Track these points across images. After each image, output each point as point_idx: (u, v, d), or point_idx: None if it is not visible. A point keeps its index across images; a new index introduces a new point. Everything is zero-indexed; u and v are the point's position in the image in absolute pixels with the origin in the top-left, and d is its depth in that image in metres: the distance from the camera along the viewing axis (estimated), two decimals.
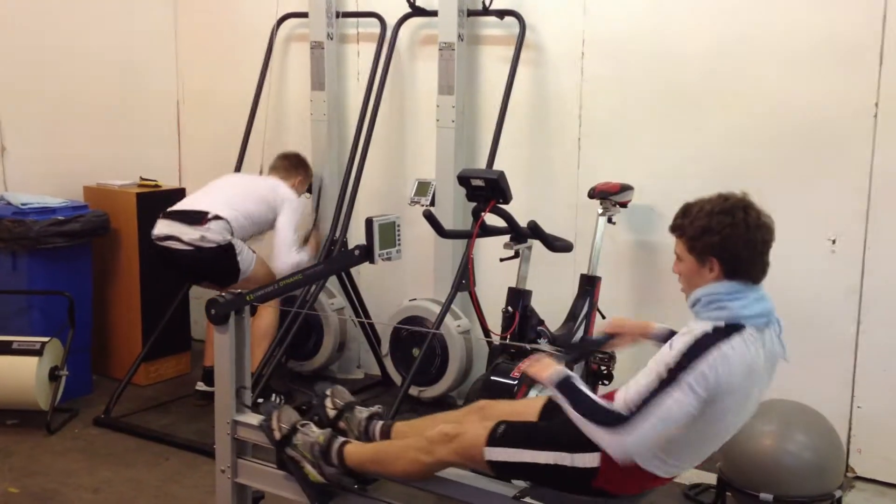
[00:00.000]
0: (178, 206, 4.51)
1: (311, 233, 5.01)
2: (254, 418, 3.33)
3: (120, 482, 3.98)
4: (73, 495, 3.85)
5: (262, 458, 3.33)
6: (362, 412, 3.15)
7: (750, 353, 2.44)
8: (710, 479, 3.70)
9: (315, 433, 3.04)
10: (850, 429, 4.01)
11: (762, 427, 3.47)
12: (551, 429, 2.70)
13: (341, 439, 3.01)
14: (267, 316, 4.58)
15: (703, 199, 2.55)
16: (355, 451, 2.97)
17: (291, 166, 4.86)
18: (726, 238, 2.46)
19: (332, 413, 3.17)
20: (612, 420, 2.43)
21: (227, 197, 4.50)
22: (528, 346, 3.44)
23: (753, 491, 3.44)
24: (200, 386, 4.81)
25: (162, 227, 4.44)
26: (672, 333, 2.73)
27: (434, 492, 3.00)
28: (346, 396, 3.23)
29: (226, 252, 4.36)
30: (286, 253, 4.53)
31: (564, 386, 2.54)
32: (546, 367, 2.62)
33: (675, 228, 2.57)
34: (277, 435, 3.07)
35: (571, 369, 2.71)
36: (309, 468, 3.01)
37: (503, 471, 2.73)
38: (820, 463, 3.45)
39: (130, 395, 4.80)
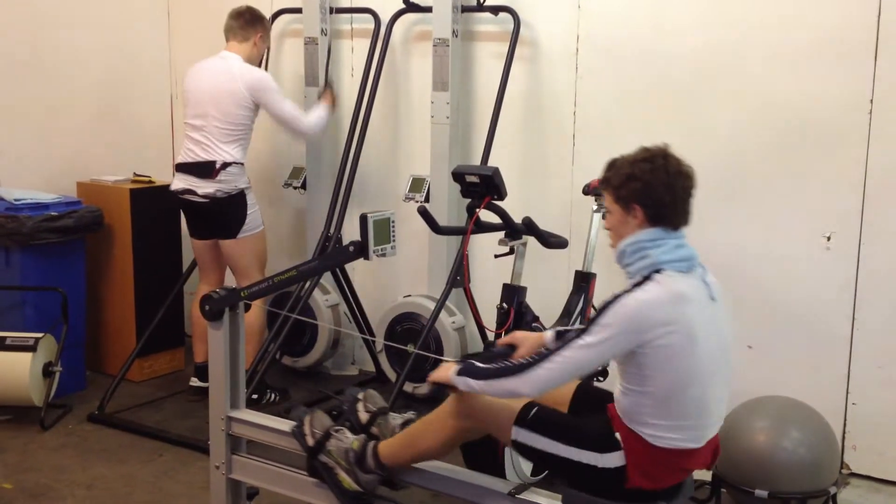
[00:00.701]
0: (188, 158, 4.58)
1: (324, 91, 4.93)
2: (250, 414, 3.33)
3: (114, 478, 3.97)
4: (66, 491, 3.84)
5: (256, 454, 3.33)
6: (396, 418, 3.09)
7: (669, 286, 2.51)
8: (706, 475, 3.70)
9: (349, 438, 2.98)
10: (844, 425, 4.02)
11: (757, 423, 3.48)
12: (584, 424, 2.68)
13: (374, 442, 2.95)
14: (254, 313, 4.57)
15: (626, 154, 2.67)
16: (387, 445, 2.93)
17: (246, 23, 4.65)
18: (647, 183, 2.57)
19: (364, 418, 3.09)
20: (515, 370, 2.58)
21: (219, 131, 4.51)
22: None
23: (748, 487, 3.45)
24: (194, 382, 4.80)
25: (178, 182, 4.60)
26: (561, 331, 2.91)
27: (429, 488, 3.01)
28: (379, 401, 3.16)
29: (237, 200, 4.56)
30: (301, 121, 4.65)
31: (465, 370, 2.67)
32: (445, 369, 2.74)
33: (603, 181, 2.69)
34: (310, 441, 3.01)
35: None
36: (343, 475, 2.95)
37: (527, 454, 2.72)
38: (815, 459, 3.46)
39: (124, 391, 4.79)
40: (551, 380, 2.54)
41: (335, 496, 2.98)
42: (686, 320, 2.49)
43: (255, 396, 4.58)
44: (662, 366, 2.48)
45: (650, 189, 2.57)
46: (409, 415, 3.12)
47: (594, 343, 2.49)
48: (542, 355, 2.56)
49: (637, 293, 2.50)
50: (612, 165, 2.67)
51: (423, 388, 4.64)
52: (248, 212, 4.58)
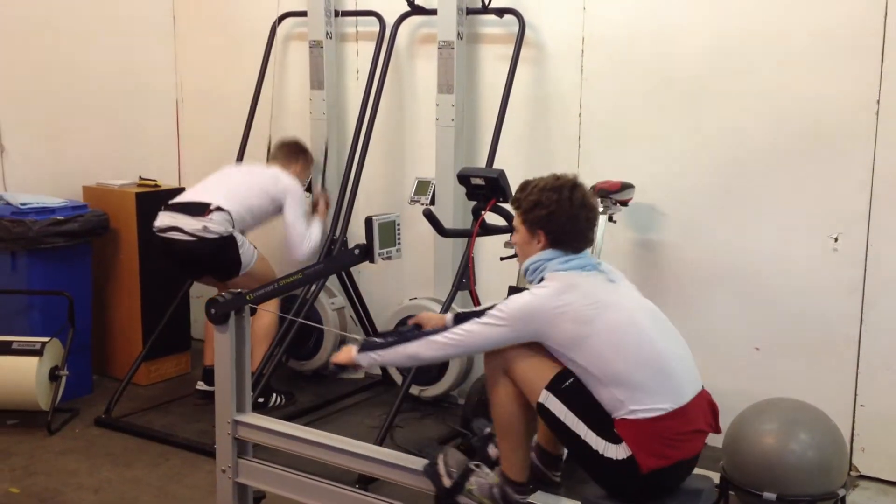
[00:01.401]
0: (180, 199, 4.51)
1: (316, 198, 4.94)
2: (256, 418, 3.32)
3: (121, 482, 3.97)
4: (73, 495, 3.84)
5: (262, 458, 3.32)
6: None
7: (559, 280, 2.70)
8: (713, 478, 3.68)
9: (491, 475, 2.83)
10: (853, 427, 4.00)
11: (765, 426, 3.46)
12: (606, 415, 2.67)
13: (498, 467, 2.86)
14: (266, 316, 4.57)
15: (540, 178, 2.83)
16: (501, 457, 2.83)
17: (291, 153, 4.82)
18: (553, 213, 2.75)
19: (495, 453, 2.94)
20: (417, 335, 2.82)
21: (229, 189, 4.48)
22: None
23: (756, 490, 3.43)
24: (201, 385, 4.80)
25: (164, 219, 4.43)
26: (465, 314, 3.04)
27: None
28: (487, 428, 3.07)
29: (227, 244, 4.36)
30: (303, 244, 4.55)
31: (366, 346, 2.88)
32: (348, 350, 2.93)
33: (513, 201, 2.87)
34: (447, 482, 2.81)
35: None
36: None
37: (549, 421, 2.70)
38: (823, 462, 3.44)
39: (131, 395, 4.79)
40: (449, 346, 2.75)
41: None
42: (577, 302, 2.65)
43: (261, 400, 4.57)
44: (580, 347, 2.63)
45: (554, 218, 2.75)
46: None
47: (490, 323, 2.71)
48: (444, 327, 2.81)
49: (534, 289, 2.73)
50: (525, 188, 2.84)
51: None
52: (241, 251, 4.40)
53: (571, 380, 2.67)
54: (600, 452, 2.61)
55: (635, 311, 2.73)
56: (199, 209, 4.35)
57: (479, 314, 2.78)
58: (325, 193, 4.97)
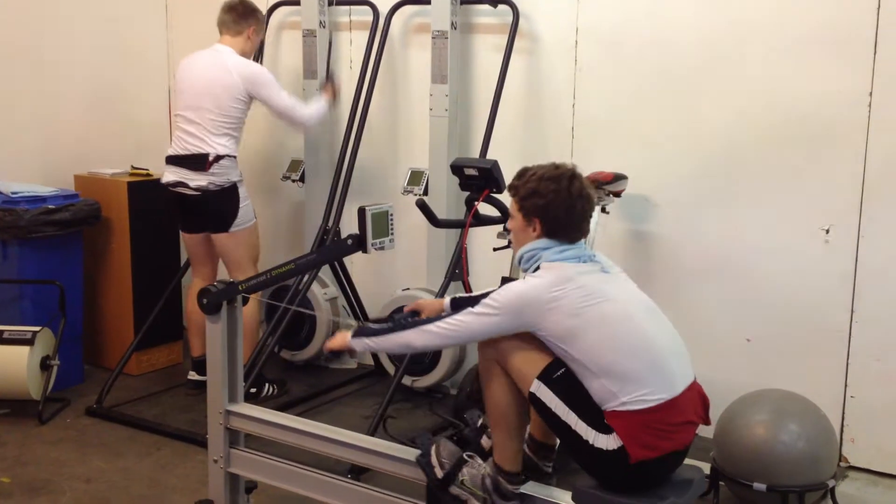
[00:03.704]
0: (180, 150, 4.53)
1: (325, 83, 4.91)
2: (248, 408, 3.32)
3: (112, 472, 3.97)
4: (65, 485, 3.84)
5: (254, 448, 3.32)
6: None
7: (554, 271, 2.69)
8: (704, 468, 3.69)
9: (483, 466, 2.83)
10: (843, 418, 4.01)
11: (755, 416, 3.48)
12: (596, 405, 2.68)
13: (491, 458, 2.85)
14: (248, 307, 4.54)
15: (539, 165, 2.82)
16: (493, 447, 2.83)
17: (239, 17, 4.61)
18: (549, 202, 2.74)
19: (488, 444, 2.92)
20: (411, 323, 2.83)
21: (212, 119, 4.47)
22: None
23: (747, 480, 3.45)
24: (192, 375, 4.79)
25: (169, 174, 4.55)
26: (462, 299, 3.10)
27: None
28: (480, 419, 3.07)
29: (229, 193, 4.51)
30: (298, 111, 4.60)
31: (360, 332, 2.90)
32: (342, 335, 2.94)
33: (510, 188, 2.86)
34: (440, 472, 2.82)
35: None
36: None
37: (543, 413, 2.70)
38: (813, 452, 3.46)
39: (122, 385, 4.78)
40: (442, 335, 2.76)
41: None
42: (573, 294, 2.64)
43: (253, 390, 4.58)
44: (573, 338, 2.63)
45: (551, 207, 2.74)
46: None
47: (483, 314, 2.71)
48: (438, 316, 2.81)
49: (527, 278, 2.73)
50: (522, 175, 2.83)
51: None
52: (241, 205, 4.53)
53: (562, 370, 2.68)
54: (590, 442, 2.61)
55: (629, 303, 2.73)
56: (200, 163, 4.45)
57: (475, 301, 2.78)
58: (331, 82, 4.90)
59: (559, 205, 2.73)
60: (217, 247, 4.62)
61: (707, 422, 2.80)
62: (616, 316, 2.67)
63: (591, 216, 2.81)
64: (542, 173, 2.77)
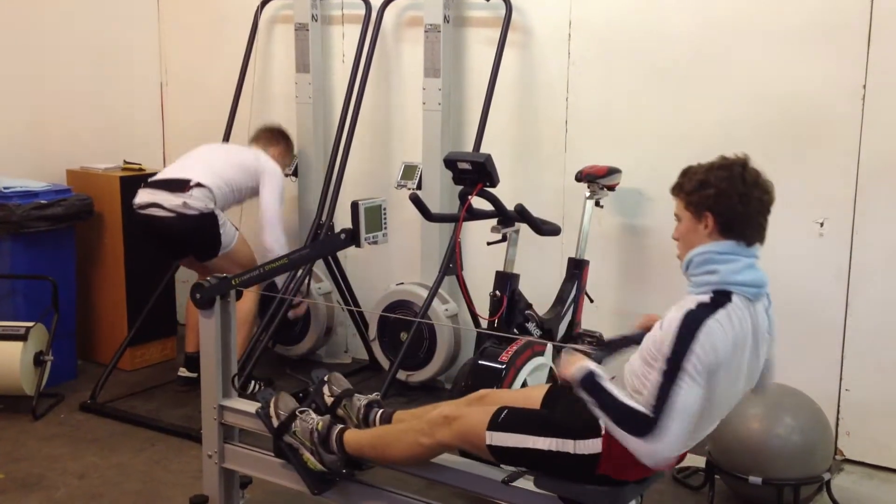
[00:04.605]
0: (160, 176, 4.48)
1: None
2: (242, 403, 3.31)
3: (106, 467, 3.96)
4: (58, 480, 3.83)
5: (249, 443, 3.32)
6: (361, 399, 3.13)
7: (734, 327, 2.42)
8: (699, 462, 3.70)
9: (314, 420, 3.02)
10: (838, 411, 4.02)
11: (750, 410, 3.48)
12: (554, 416, 2.69)
13: (340, 426, 3.00)
14: (246, 301, 4.54)
15: (704, 162, 2.57)
16: (354, 437, 2.96)
17: (273, 137, 4.82)
18: (722, 191, 2.47)
19: (329, 400, 3.15)
20: (641, 426, 2.37)
21: (209, 164, 4.46)
22: (515, 334, 3.36)
23: (742, 474, 3.45)
24: (183, 372, 4.78)
25: (143, 196, 4.41)
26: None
27: (425, 476, 3.00)
28: (344, 383, 3.21)
29: (208, 220, 4.34)
30: (276, 228, 4.49)
31: (589, 384, 2.48)
32: (571, 363, 2.55)
33: (675, 188, 2.58)
34: (275, 422, 3.06)
35: (601, 363, 2.66)
36: (308, 455, 3.00)
37: (504, 456, 2.70)
38: (808, 446, 3.46)
39: (116, 380, 4.77)
40: (677, 442, 2.38)
41: (300, 476, 3.03)
42: (734, 366, 2.45)
43: (257, 389, 4.57)
44: (698, 386, 2.38)
45: (724, 197, 2.47)
46: (375, 396, 3.17)
47: (693, 386, 2.37)
48: (658, 411, 2.36)
49: (708, 324, 2.37)
50: (687, 172, 2.57)
51: (417, 376, 4.63)
52: (221, 231, 4.38)
53: (505, 412, 2.68)
54: (572, 452, 2.56)
55: (741, 390, 2.56)
56: (180, 185, 4.33)
57: (672, 373, 2.37)
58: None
59: (733, 193, 2.46)
60: (211, 269, 4.50)
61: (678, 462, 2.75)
62: (725, 403, 2.51)
63: (769, 210, 2.55)
64: (709, 164, 2.54)
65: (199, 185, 4.33)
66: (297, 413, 3.04)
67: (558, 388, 2.89)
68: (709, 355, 2.36)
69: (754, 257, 2.53)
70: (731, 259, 2.48)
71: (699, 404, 2.38)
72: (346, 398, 3.14)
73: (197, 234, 4.37)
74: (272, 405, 3.08)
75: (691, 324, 2.38)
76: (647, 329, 2.66)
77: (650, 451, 2.37)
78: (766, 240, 2.56)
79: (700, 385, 2.36)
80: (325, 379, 3.21)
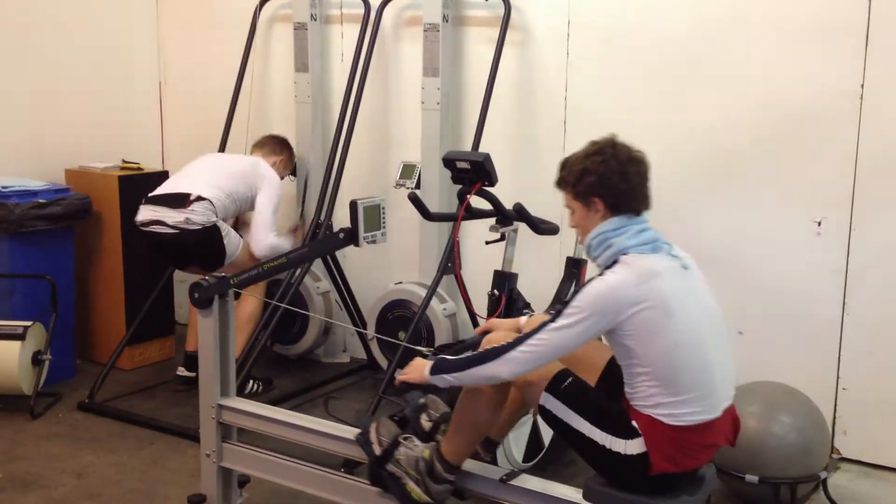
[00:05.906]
0: (160, 191, 4.46)
1: (297, 224, 4.98)
2: (240, 402, 3.31)
3: (104, 466, 3.96)
4: (56, 480, 3.83)
5: (247, 442, 3.32)
6: None
7: (637, 265, 2.54)
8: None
9: (419, 447, 2.88)
10: (835, 410, 4.02)
11: (748, 409, 3.48)
12: (612, 408, 2.63)
13: (438, 446, 2.88)
14: (250, 302, 4.55)
15: (576, 151, 2.72)
16: (445, 440, 2.85)
17: (275, 145, 4.84)
18: (602, 175, 2.62)
19: (428, 426, 2.99)
20: (493, 353, 2.59)
21: (208, 176, 4.45)
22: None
23: (739, 473, 3.45)
24: (181, 371, 4.78)
25: (145, 213, 4.40)
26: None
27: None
28: (442, 407, 3.05)
29: (211, 233, 4.32)
30: (264, 233, 4.46)
31: (439, 366, 2.67)
32: (418, 368, 2.73)
33: (559, 182, 2.74)
34: (378, 450, 2.91)
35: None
36: (412, 486, 2.85)
37: (553, 424, 2.68)
38: (805, 444, 3.47)
39: (114, 380, 4.77)
40: (528, 361, 2.56)
41: None
42: (658, 294, 2.51)
43: (252, 387, 4.57)
44: (647, 342, 2.50)
45: (605, 179, 2.62)
46: None
47: (566, 325, 2.53)
48: (517, 339, 2.58)
49: (606, 276, 2.55)
50: (565, 164, 2.73)
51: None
52: (225, 241, 4.36)
53: (570, 379, 2.65)
54: (607, 447, 2.57)
55: (702, 317, 2.61)
56: (180, 200, 4.31)
57: (554, 316, 2.57)
58: (304, 223, 4.96)
59: (612, 173, 2.61)
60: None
61: (734, 444, 2.74)
62: (688, 331, 2.54)
63: (647, 178, 2.68)
64: (583, 153, 2.68)
65: (199, 198, 4.32)
66: (401, 440, 2.90)
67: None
68: (599, 297, 2.51)
69: (644, 222, 2.66)
70: (623, 230, 2.61)
71: (561, 348, 2.55)
72: (445, 423, 2.96)
73: (201, 248, 4.36)
74: (373, 431, 2.94)
75: (582, 287, 2.58)
76: (486, 333, 2.88)
77: (493, 368, 2.58)
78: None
79: (569, 333, 2.52)
80: (423, 403, 3.04)
